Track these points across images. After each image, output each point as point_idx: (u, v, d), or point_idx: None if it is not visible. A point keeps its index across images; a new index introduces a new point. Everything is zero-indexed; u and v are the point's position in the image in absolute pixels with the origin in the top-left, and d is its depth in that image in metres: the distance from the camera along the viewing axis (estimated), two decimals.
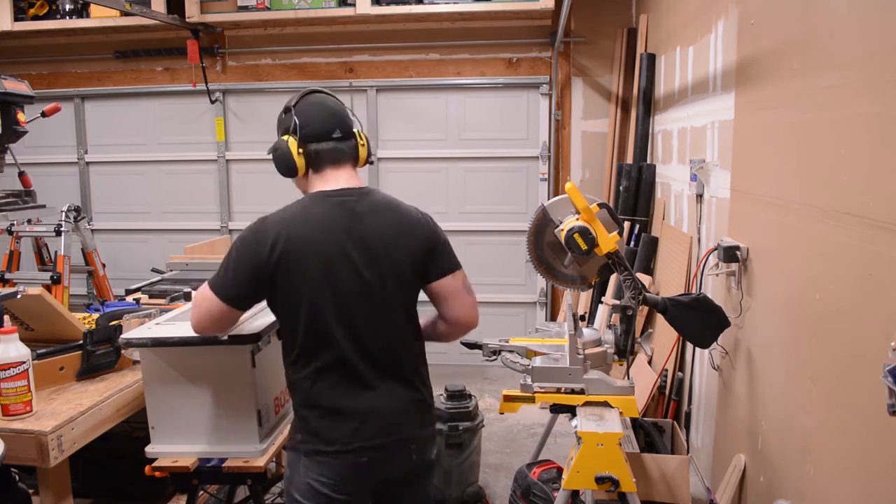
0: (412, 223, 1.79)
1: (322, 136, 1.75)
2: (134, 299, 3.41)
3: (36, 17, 5.08)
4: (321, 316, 1.67)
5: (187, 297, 3.12)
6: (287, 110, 1.79)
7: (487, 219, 5.20)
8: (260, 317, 2.09)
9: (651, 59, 4.31)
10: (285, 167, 1.77)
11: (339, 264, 1.67)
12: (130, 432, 2.59)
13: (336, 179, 1.77)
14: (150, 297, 3.47)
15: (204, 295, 1.71)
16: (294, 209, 1.73)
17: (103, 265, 4.26)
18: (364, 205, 1.74)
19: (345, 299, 1.68)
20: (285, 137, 1.76)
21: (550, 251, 2.18)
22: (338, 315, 1.67)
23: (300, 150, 1.75)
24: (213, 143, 5.42)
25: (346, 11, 4.75)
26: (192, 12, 4.84)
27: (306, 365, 1.71)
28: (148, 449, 2.03)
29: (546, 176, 5.06)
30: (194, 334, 1.80)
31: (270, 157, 1.79)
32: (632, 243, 4.19)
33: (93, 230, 5.11)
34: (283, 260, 1.64)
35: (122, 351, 2.30)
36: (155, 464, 1.99)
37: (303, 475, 1.70)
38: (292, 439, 1.78)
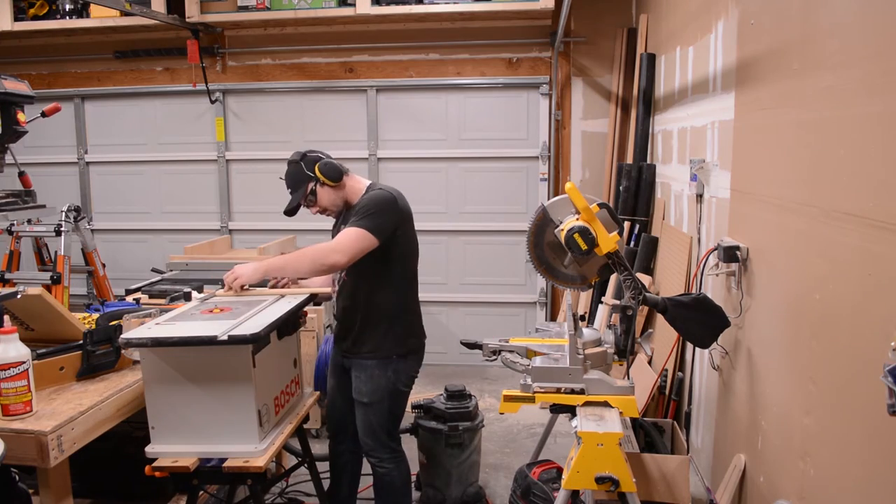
0: None
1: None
2: (134, 299, 3.41)
3: (36, 17, 5.08)
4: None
5: (187, 297, 3.12)
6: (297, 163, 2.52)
7: (487, 219, 5.20)
8: (260, 317, 2.09)
9: (651, 59, 4.31)
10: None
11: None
12: (130, 432, 2.59)
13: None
14: (150, 297, 3.48)
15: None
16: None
17: (103, 265, 4.26)
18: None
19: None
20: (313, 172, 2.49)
21: (550, 251, 2.18)
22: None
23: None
24: (213, 143, 5.42)
25: (346, 11, 4.75)
26: (192, 12, 4.84)
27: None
28: (148, 449, 2.03)
29: (546, 176, 5.06)
30: (195, 334, 1.81)
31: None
32: (632, 243, 4.19)
33: (93, 230, 5.11)
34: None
35: (122, 351, 2.30)
36: (155, 464, 1.99)
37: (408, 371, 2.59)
38: (403, 346, 2.55)
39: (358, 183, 2.55)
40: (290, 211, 2.51)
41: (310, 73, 5.26)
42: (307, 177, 2.47)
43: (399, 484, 2.62)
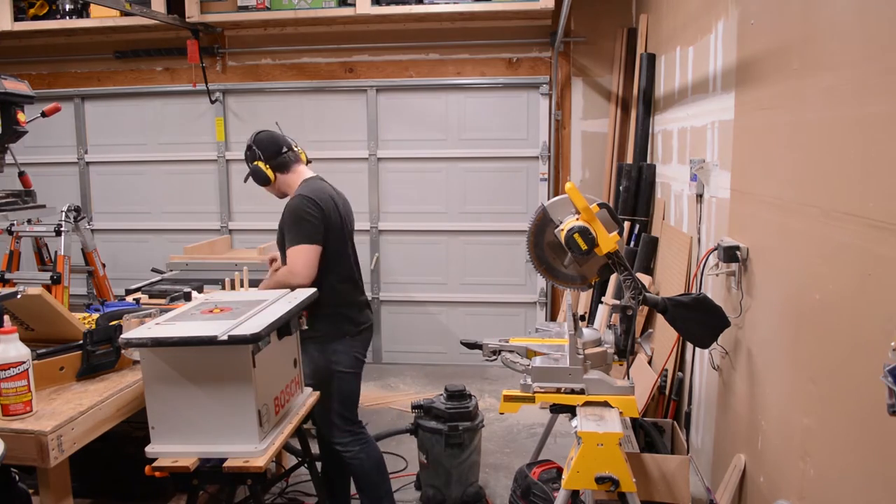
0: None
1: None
2: (134, 299, 3.41)
3: (36, 17, 5.08)
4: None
5: (187, 296, 3.13)
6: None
7: (487, 219, 5.20)
8: (260, 317, 2.09)
9: (651, 59, 4.31)
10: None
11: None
12: (130, 432, 2.59)
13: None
14: (150, 297, 3.48)
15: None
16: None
17: (103, 265, 4.26)
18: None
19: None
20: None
21: (550, 251, 2.18)
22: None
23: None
24: (213, 143, 5.42)
25: (346, 11, 4.75)
26: (192, 12, 4.84)
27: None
28: (148, 449, 2.03)
29: (546, 176, 5.06)
30: (195, 334, 1.82)
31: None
32: (632, 243, 4.19)
33: (93, 230, 5.11)
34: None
35: (122, 351, 2.30)
36: (155, 464, 1.99)
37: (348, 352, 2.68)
38: (339, 330, 2.66)
39: (297, 177, 2.72)
40: (246, 179, 2.78)
41: (310, 73, 5.26)
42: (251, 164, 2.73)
43: (369, 467, 2.70)
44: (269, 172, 2.69)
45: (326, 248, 2.60)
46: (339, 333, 2.67)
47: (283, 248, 2.65)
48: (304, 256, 2.53)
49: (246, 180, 2.77)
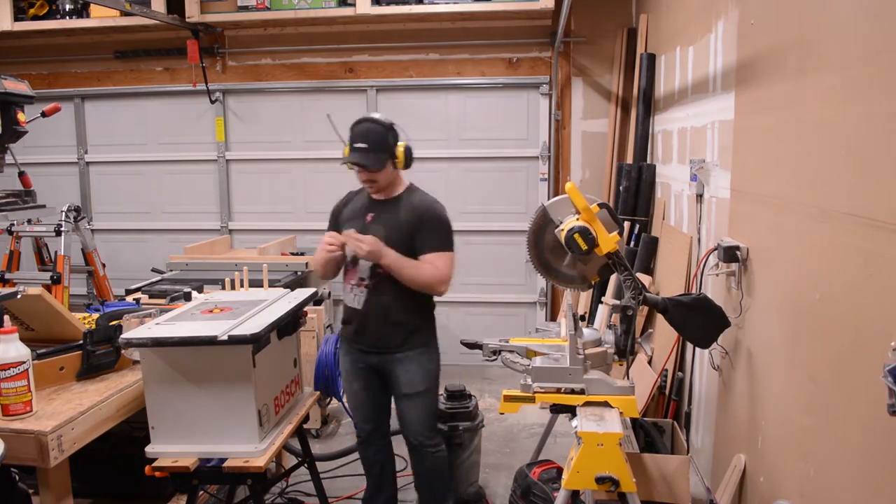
0: None
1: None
2: (134, 299, 3.42)
3: (36, 17, 5.07)
4: None
5: (187, 297, 3.13)
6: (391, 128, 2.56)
7: (487, 219, 5.20)
8: (260, 317, 2.09)
9: (651, 59, 4.31)
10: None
11: None
12: (130, 432, 2.59)
13: None
14: (150, 297, 3.48)
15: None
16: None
17: (103, 265, 4.26)
18: None
19: None
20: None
21: (550, 251, 2.18)
22: None
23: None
24: (213, 143, 5.42)
25: (346, 11, 4.75)
26: (192, 12, 4.84)
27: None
28: (148, 449, 2.03)
29: (546, 176, 5.06)
30: (195, 334, 1.82)
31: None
32: (632, 243, 4.19)
33: (93, 230, 5.11)
34: None
35: (122, 351, 2.30)
36: (155, 464, 1.99)
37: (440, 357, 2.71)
38: (434, 336, 2.70)
39: (403, 176, 2.69)
40: (360, 164, 2.49)
41: (310, 73, 5.26)
42: (389, 148, 2.52)
43: (447, 464, 2.81)
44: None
45: None
46: (434, 337, 2.72)
47: (404, 245, 2.52)
48: (453, 267, 2.56)
49: (347, 163, 2.52)
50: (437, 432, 2.78)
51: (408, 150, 2.56)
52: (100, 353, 2.25)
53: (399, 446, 3.64)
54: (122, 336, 2.06)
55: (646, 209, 4.26)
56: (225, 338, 1.89)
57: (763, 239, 2.32)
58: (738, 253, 2.46)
